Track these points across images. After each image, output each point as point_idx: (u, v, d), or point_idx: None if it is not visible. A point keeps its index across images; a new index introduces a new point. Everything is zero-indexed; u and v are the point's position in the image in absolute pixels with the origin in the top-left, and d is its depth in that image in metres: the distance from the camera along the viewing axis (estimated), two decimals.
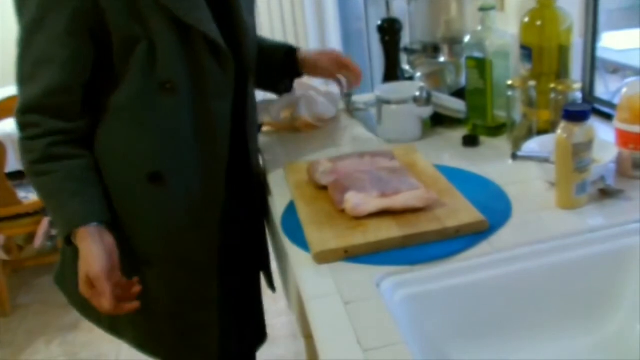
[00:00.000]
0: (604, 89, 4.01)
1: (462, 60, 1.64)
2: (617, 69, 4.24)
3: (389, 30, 1.65)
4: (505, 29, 1.69)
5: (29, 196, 3.11)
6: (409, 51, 1.78)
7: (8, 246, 3.39)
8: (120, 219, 1.30)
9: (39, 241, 3.17)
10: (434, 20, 1.71)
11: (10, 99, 2.87)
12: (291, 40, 4.17)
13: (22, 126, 1.22)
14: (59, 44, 1.17)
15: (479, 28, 1.52)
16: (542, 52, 1.43)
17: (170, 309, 1.39)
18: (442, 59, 1.74)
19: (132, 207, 1.31)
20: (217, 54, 1.27)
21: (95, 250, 1.19)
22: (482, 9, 1.50)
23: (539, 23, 1.43)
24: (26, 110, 1.21)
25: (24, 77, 1.20)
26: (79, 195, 1.22)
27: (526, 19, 1.45)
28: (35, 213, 3.05)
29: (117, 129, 1.27)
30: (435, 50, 1.74)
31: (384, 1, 1.67)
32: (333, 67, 1.63)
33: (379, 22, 1.69)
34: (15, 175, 3.19)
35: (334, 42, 3.93)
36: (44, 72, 1.18)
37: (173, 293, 1.38)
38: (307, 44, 4.07)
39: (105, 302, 1.18)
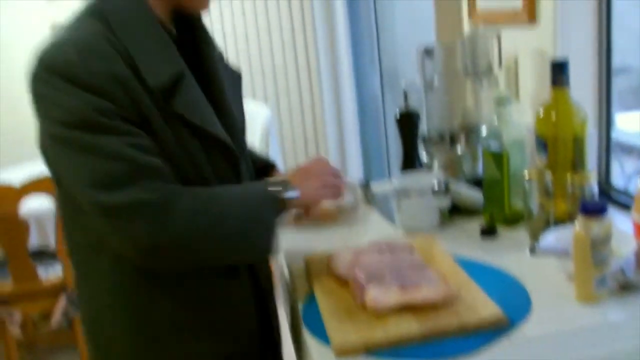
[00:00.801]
0: (619, 170, 4.02)
1: (479, 149, 1.67)
2: (632, 150, 4.26)
3: (407, 122, 1.70)
4: (520, 118, 1.73)
5: (48, 274, 3.14)
6: (427, 140, 1.81)
7: (24, 324, 3.40)
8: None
9: (56, 319, 3.18)
10: (451, 109, 1.75)
11: (37, 182, 2.94)
12: (309, 121, 4.26)
13: (135, 206, 1.17)
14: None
15: (495, 120, 1.56)
16: (557, 144, 1.46)
17: None
18: (459, 148, 1.77)
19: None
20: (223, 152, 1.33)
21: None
22: (497, 102, 1.54)
23: (553, 116, 1.46)
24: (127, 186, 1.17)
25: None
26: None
27: (540, 112, 1.48)
28: (54, 292, 3.07)
29: None
30: (452, 139, 1.77)
31: (403, 92, 1.72)
32: None
33: (397, 114, 1.73)
34: (37, 254, 3.23)
35: (350, 124, 3.99)
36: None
37: None
38: (325, 124, 4.15)
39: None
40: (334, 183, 1.47)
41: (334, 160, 4.21)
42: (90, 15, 1.25)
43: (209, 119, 1.29)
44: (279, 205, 1.33)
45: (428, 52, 1.75)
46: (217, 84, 1.40)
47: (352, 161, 4.13)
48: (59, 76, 1.17)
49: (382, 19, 3.67)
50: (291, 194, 1.35)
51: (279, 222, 1.32)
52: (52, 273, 3.15)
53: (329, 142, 4.19)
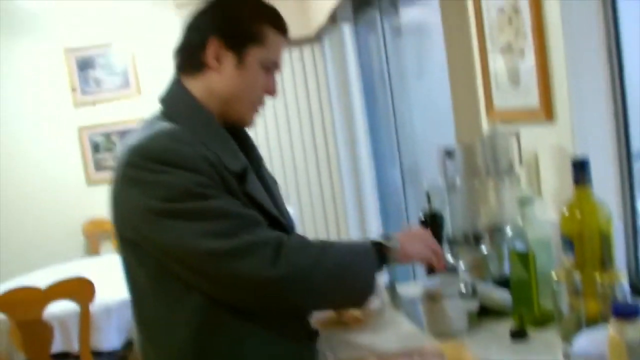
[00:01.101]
0: None
1: (505, 248, 1.66)
2: None
3: (432, 224, 1.70)
4: (543, 216, 1.73)
5: None
6: (452, 242, 1.81)
7: None
8: None
9: None
10: (474, 209, 1.76)
11: (62, 285, 2.96)
12: (331, 217, 4.27)
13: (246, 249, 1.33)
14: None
15: (519, 220, 1.56)
16: (584, 243, 1.45)
17: None
18: (484, 248, 1.77)
19: None
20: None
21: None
22: (521, 202, 1.55)
23: (577, 215, 1.46)
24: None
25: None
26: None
27: (564, 211, 1.48)
28: None
29: None
30: (476, 239, 1.77)
31: (425, 194, 1.73)
32: None
33: (421, 216, 1.74)
34: (60, 356, 3.22)
35: (372, 221, 4.00)
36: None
37: None
38: (347, 220, 4.16)
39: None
40: (435, 248, 1.55)
41: None
42: (161, 119, 1.45)
43: (269, 202, 1.48)
44: (381, 250, 1.45)
45: (449, 153, 1.77)
46: (265, 181, 1.58)
47: None
48: (155, 161, 1.34)
49: (401, 115, 3.73)
50: (394, 243, 1.47)
51: (380, 268, 1.45)
52: None
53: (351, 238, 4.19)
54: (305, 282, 1.35)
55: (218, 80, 1.48)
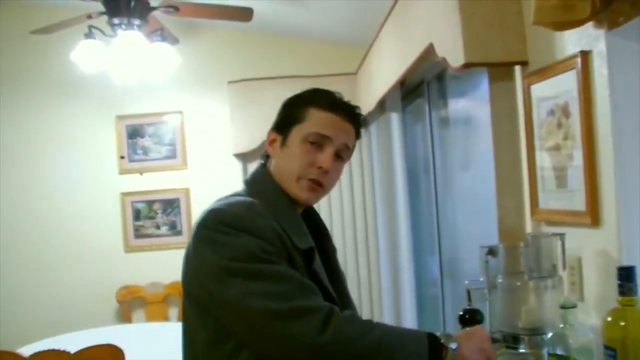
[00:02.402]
0: None
1: (543, 352, 1.63)
2: None
3: (470, 320, 1.69)
4: (586, 320, 1.70)
5: None
6: (490, 340, 1.78)
7: None
8: None
9: None
10: (514, 310, 1.74)
11: (88, 349, 2.95)
12: (366, 305, 4.20)
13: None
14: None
15: (561, 325, 1.54)
16: (627, 352, 1.42)
17: None
18: (522, 350, 1.74)
19: None
20: None
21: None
22: (564, 307, 1.53)
23: (622, 324, 1.44)
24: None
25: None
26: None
27: (608, 319, 1.46)
28: None
29: None
30: (515, 340, 1.74)
31: (466, 291, 1.72)
32: None
33: (461, 312, 1.73)
34: None
35: (408, 309, 3.95)
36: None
37: None
38: (382, 308, 4.11)
39: None
40: (491, 356, 1.51)
41: None
42: (242, 195, 1.61)
43: (327, 280, 1.58)
44: (435, 344, 1.44)
45: (491, 252, 1.76)
46: (332, 259, 1.73)
47: None
48: (228, 225, 1.48)
49: (444, 206, 3.73)
50: (451, 342, 1.46)
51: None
52: None
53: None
54: (348, 350, 1.38)
55: (274, 162, 1.67)
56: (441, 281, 3.70)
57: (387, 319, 4.15)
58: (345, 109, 1.66)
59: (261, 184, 1.65)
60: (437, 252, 3.75)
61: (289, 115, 1.66)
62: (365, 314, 4.29)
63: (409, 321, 3.99)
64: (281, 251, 1.49)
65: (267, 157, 1.71)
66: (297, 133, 1.62)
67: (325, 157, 1.61)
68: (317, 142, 1.61)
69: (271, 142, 1.68)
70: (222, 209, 1.53)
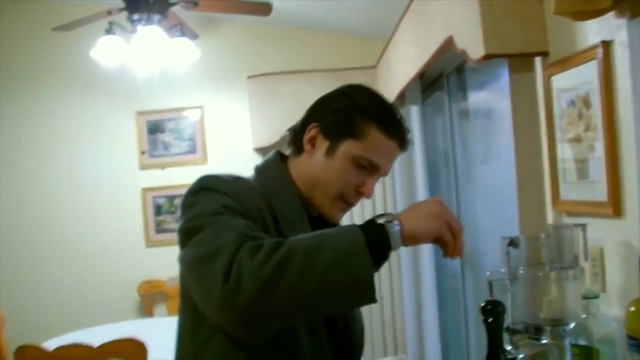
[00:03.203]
0: None
1: (566, 342, 1.62)
2: None
3: (492, 312, 1.68)
4: (608, 311, 1.69)
5: None
6: (511, 331, 1.78)
7: None
8: None
9: None
10: (536, 301, 1.73)
11: (111, 343, 2.99)
12: (387, 300, 4.21)
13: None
14: None
15: (583, 315, 1.53)
16: None
17: None
18: (544, 341, 1.73)
19: None
20: None
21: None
22: (586, 297, 1.52)
23: None
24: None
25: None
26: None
27: (632, 309, 1.45)
28: None
29: None
30: (537, 331, 1.74)
31: (487, 282, 1.72)
32: None
33: (482, 304, 1.72)
34: None
35: (429, 305, 3.94)
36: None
37: None
38: (403, 306, 4.10)
39: None
40: (450, 220, 1.30)
41: (411, 347, 4.10)
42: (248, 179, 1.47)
43: None
44: (374, 235, 1.21)
45: (513, 243, 1.76)
46: None
47: (430, 347, 3.99)
48: (208, 189, 1.35)
49: (464, 199, 3.72)
50: (394, 226, 1.23)
51: (381, 254, 1.21)
52: None
53: (406, 325, 4.12)
54: (284, 277, 1.14)
55: (308, 163, 1.51)
56: (462, 274, 3.69)
57: (408, 313, 4.15)
58: (403, 138, 1.52)
59: (273, 174, 1.51)
60: None
61: (345, 124, 1.47)
62: (386, 310, 4.29)
63: (430, 314, 4.00)
64: (254, 218, 1.32)
65: (296, 150, 1.55)
66: (350, 148, 1.46)
67: (370, 185, 1.49)
68: (367, 167, 1.48)
69: (311, 139, 1.50)
70: (208, 174, 1.43)
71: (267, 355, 1.32)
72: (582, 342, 1.51)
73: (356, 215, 4.08)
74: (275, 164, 1.53)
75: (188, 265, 1.27)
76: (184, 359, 1.41)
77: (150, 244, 5.29)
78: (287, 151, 1.60)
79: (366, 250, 1.15)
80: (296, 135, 1.54)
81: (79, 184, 5.25)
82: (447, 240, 1.27)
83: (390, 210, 4.55)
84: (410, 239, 1.24)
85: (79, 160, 5.26)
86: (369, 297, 1.17)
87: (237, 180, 1.41)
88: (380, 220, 1.24)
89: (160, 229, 5.31)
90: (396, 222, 1.24)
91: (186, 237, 1.29)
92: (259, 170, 1.53)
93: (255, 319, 1.15)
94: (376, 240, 1.20)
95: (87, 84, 5.17)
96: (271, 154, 1.57)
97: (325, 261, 1.14)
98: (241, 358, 1.32)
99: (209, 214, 1.27)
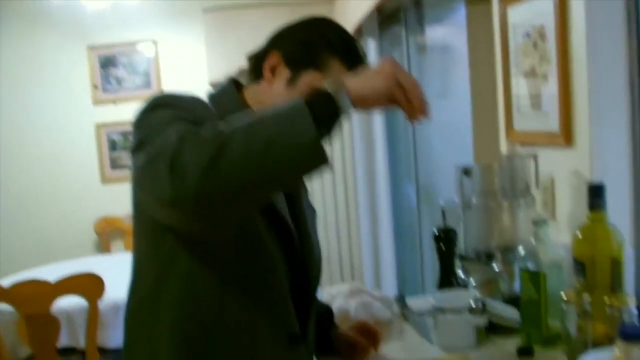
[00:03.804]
0: None
1: (516, 268, 1.67)
2: None
3: (445, 239, 1.72)
4: (557, 238, 1.74)
5: None
6: (464, 258, 1.83)
7: None
8: None
9: None
10: (488, 228, 1.77)
11: (72, 279, 2.99)
12: (344, 234, 4.28)
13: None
14: None
15: (532, 241, 1.58)
16: (595, 266, 1.46)
17: None
18: (495, 267, 1.78)
19: None
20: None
21: None
22: (535, 223, 1.57)
23: (590, 239, 1.48)
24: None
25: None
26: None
27: (578, 234, 1.50)
28: None
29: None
30: (489, 257, 1.79)
31: (441, 211, 1.75)
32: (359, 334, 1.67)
33: (435, 232, 1.76)
34: (65, 351, 3.24)
35: (386, 237, 4.02)
36: None
37: None
38: (360, 236, 4.16)
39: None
40: (401, 78, 1.20)
41: (368, 274, 4.18)
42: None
43: (285, 210, 1.37)
44: (322, 96, 1.16)
45: (466, 172, 1.79)
46: (302, 212, 1.49)
47: (386, 275, 4.12)
48: (163, 105, 1.27)
49: (420, 134, 3.75)
50: (335, 86, 1.17)
51: (327, 121, 1.14)
52: None
53: (363, 255, 4.20)
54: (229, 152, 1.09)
55: (267, 91, 1.45)
56: (418, 207, 3.75)
57: (366, 249, 4.21)
58: (362, 66, 1.45)
59: (227, 98, 1.45)
60: (414, 179, 3.79)
61: (309, 55, 1.42)
62: (343, 245, 4.35)
63: (387, 250, 4.07)
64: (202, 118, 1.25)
65: (254, 77, 1.49)
66: (311, 79, 1.40)
67: None
68: None
69: (272, 67, 1.44)
70: (162, 92, 1.36)
71: (231, 274, 1.32)
72: (530, 267, 1.56)
73: None
74: (230, 91, 1.48)
75: (135, 177, 1.23)
76: (144, 286, 1.39)
77: (105, 180, 5.24)
78: (244, 81, 1.57)
79: (308, 112, 1.11)
80: (256, 62, 1.48)
81: (30, 121, 5.13)
82: (400, 99, 1.19)
83: (347, 147, 4.56)
84: (360, 101, 1.18)
85: (28, 98, 5.13)
86: (319, 157, 1.11)
87: (194, 97, 1.36)
88: (325, 86, 1.19)
89: (115, 165, 5.25)
90: (342, 85, 1.18)
91: (135, 153, 1.23)
92: (213, 97, 1.48)
93: (209, 203, 1.10)
94: (320, 102, 1.15)
95: (35, 17, 5.00)
96: (226, 81, 1.52)
97: (267, 130, 1.11)
98: (206, 277, 1.32)
99: (161, 126, 1.20)
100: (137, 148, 1.21)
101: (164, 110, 1.25)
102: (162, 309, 1.31)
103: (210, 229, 1.21)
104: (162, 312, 1.31)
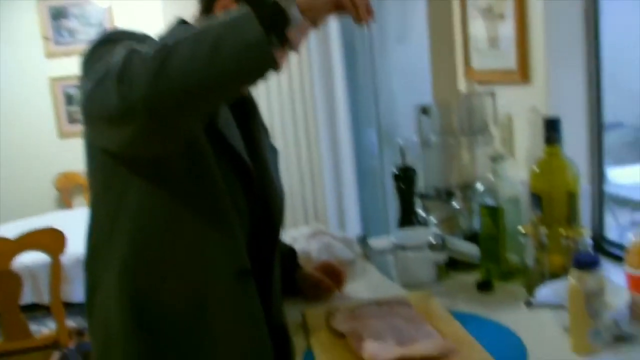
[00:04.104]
0: (614, 222, 4.05)
1: (475, 205, 1.69)
2: (626, 203, 4.30)
3: (404, 178, 1.72)
4: (515, 175, 1.76)
5: (41, 329, 3.11)
6: (424, 196, 1.84)
7: None
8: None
9: None
10: (447, 166, 1.78)
11: (33, 235, 2.94)
12: (307, 178, 4.28)
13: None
14: None
15: (491, 177, 1.59)
16: (552, 200, 1.49)
17: None
18: (455, 204, 1.80)
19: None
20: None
21: None
22: (493, 160, 1.58)
23: (547, 172, 1.50)
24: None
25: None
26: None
27: (535, 168, 1.52)
28: (46, 347, 3.04)
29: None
30: (448, 195, 1.80)
31: (399, 149, 1.75)
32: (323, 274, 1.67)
33: (395, 170, 1.76)
34: (30, 308, 3.21)
35: (348, 180, 4.03)
36: None
37: None
38: (323, 180, 4.17)
39: None
40: None
41: (332, 218, 4.21)
42: None
43: (243, 151, 1.34)
44: (268, 4, 1.12)
45: (425, 111, 1.78)
46: (261, 151, 1.46)
47: (350, 218, 4.14)
48: (114, 40, 1.21)
49: (381, 77, 3.74)
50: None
51: (275, 21, 1.10)
52: (44, 327, 3.13)
53: (327, 197, 4.21)
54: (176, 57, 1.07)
55: None
56: (380, 151, 3.76)
57: (329, 193, 4.22)
58: None
59: (175, 33, 1.29)
60: (376, 122, 3.79)
61: None
62: (306, 191, 4.34)
63: (350, 194, 4.09)
64: None
65: (204, 10, 1.44)
66: None
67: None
68: None
69: (225, 7, 1.40)
70: (114, 28, 1.29)
71: (180, 209, 1.30)
72: (489, 202, 1.57)
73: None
74: (179, 28, 1.41)
75: (84, 104, 1.17)
76: (98, 229, 1.37)
77: (63, 135, 5.13)
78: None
79: (254, 15, 1.09)
80: (208, 3, 1.44)
81: None
82: (346, 5, 1.18)
83: (308, 93, 4.52)
84: (308, 9, 1.15)
85: None
86: (266, 58, 1.09)
87: (144, 33, 1.30)
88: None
89: (72, 119, 5.14)
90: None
91: (82, 82, 1.19)
92: (162, 36, 1.34)
93: (158, 109, 1.08)
94: (266, 7, 1.12)
95: None
96: (174, 25, 1.46)
97: (213, 33, 1.09)
98: (156, 212, 1.29)
99: (109, 55, 1.14)
100: (84, 77, 1.18)
101: (112, 44, 1.20)
102: (115, 248, 1.30)
103: (160, 145, 1.18)
104: (114, 251, 1.30)
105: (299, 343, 1.37)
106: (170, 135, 1.16)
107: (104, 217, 1.33)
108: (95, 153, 1.31)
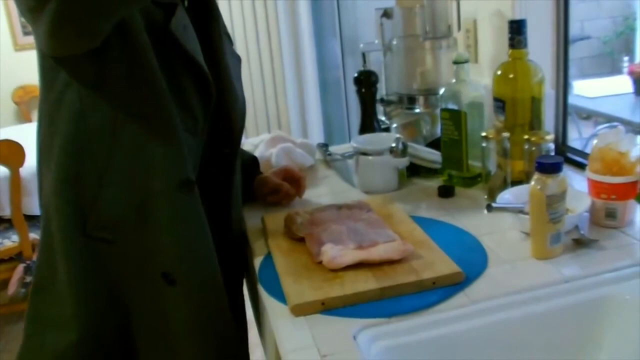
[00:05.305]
0: (577, 134, 4.10)
1: (438, 111, 1.67)
2: (589, 116, 4.34)
3: (365, 82, 1.68)
4: (479, 81, 1.73)
5: (4, 242, 3.08)
6: (385, 102, 1.81)
7: None
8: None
9: (12, 288, 3.12)
10: (410, 71, 1.75)
11: None
12: (270, 88, 4.24)
13: None
14: None
15: (453, 81, 1.56)
16: (515, 104, 1.47)
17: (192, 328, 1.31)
18: (417, 110, 1.77)
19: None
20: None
21: None
22: (456, 62, 1.54)
23: (511, 76, 1.47)
24: None
25: None
26: None
27: (499, 72, 1.49)
28: (10, 259, 3.02)
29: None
30: (411, 101, 1.77)
31: (361, 54, 1.70)
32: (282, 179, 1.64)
33: (355, 74, 1.72)
34: None
35: (311, 90, 3.99)
36: None
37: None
38: (286, 91, 4.13)
39: None
40: None
41: (295, 126, 4.20)
42: None
43: (200, 56, 1.28)
44: None
45: (387, 14, 1.73)
46: (222, 57, 1.40)
47: (313, 127, 4.13)
48: None
49: None
50: None
51: None
52: (7, 240, 3.10)
53: (290, 108, 4.18)
54: None
55: None
56: (342, 61, 3.70)
57: (292, 106, 4.18)
58: None
59: None
60: (338, 32, 3.72)
61: None
62: (269, 100, 4.30)
63: (313, 104, 4.05)
64: None
65: None
66: None
67: None
68: None
69: None
70: None
71: (121, 114, 1.24)
72: (451, 106, 1.55)
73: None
74: None
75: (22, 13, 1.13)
76: (42, 132, 1.31)
77: (18, 47, 4.97)
78: None
79: None
80: None
81: None
82: None
83: (269, 5, 4.41)
84: None
85: None
86: None
87: None
88: None
89: (28, 31, 4.96)
90: None
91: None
92: None
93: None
94: None
95: None
96: None
97: None
98: (97, 116, 1.23)
99: None
100: None
101: None
102: (52, 152, 1.24)
103: (75, 40, 1.10)
104: (52, 155, 1.25)
105: (259, 248, 1.36)
106: (84, 28, 1.07)
107: (46, 120, 1.28)
108: (40, 57, 1.24)
